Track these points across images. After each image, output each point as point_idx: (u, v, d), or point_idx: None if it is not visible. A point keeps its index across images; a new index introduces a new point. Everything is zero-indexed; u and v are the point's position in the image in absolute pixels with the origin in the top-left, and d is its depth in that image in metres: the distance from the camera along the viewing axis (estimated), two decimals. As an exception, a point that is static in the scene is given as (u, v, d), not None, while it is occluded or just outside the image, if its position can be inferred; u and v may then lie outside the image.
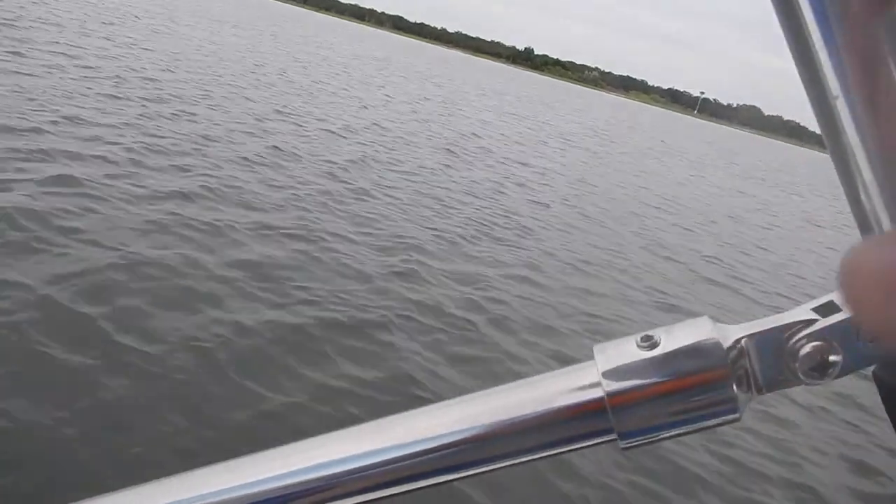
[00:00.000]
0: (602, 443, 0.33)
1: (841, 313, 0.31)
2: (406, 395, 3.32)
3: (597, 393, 0.32)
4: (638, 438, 0.32)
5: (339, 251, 5.09)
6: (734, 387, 0.31)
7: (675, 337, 0.32)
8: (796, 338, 0.31)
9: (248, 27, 32.21)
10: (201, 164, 6.48)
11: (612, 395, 0.32)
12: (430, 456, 0.34)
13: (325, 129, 10.35)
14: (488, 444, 0.34)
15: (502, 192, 9.26)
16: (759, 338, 0.31)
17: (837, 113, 0.26)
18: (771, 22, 0.29)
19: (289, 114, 10.85)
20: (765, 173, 32.81)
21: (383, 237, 5.76)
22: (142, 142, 6.63)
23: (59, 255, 3.83)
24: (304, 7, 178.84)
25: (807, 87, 0.27)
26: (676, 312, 5.91)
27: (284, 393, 3.13)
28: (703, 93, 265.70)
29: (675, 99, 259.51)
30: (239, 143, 7.81)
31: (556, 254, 6.84)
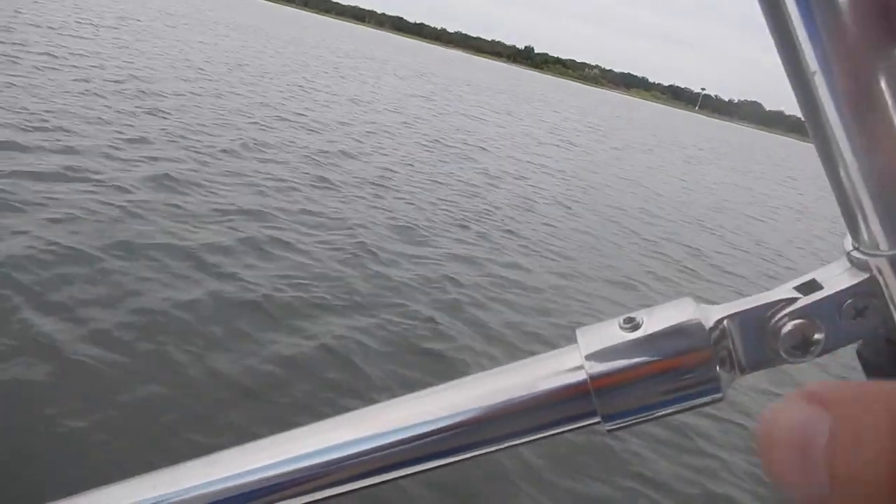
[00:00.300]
0: (587, 426, 0.33)
1: (822, 291, 0.31)
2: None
3: (580, 376, 0.32)
4: (622, 420, 0.32)
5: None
6: (717, 367, 0.31)
7: (657, 318, 0.32)
8: (778, 317, 0.31)
9: (274, 38, 32.18)
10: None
11: (595, 377, 0.31)
12: (414, 444, 0.34)
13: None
14: (473, 431, 0.34)
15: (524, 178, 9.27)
16: (740, 317, 0.31)
17: (826, 118, 0.27)
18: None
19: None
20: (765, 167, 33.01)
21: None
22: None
23: None
24: (304, 10, 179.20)
25: (801, 107, 0.28)
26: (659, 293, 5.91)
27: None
28: (703, 89, 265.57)
29: (677, 96, 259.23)
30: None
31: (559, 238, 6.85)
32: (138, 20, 20.68)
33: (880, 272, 0.29)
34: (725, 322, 0.31)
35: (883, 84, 0.26)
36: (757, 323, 0.31)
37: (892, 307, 0.29)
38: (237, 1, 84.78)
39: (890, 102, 0.26)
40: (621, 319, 0.32)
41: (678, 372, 0.31)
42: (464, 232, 6.62)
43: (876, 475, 0.19)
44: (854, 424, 0.20)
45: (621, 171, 15.27)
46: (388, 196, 7.30)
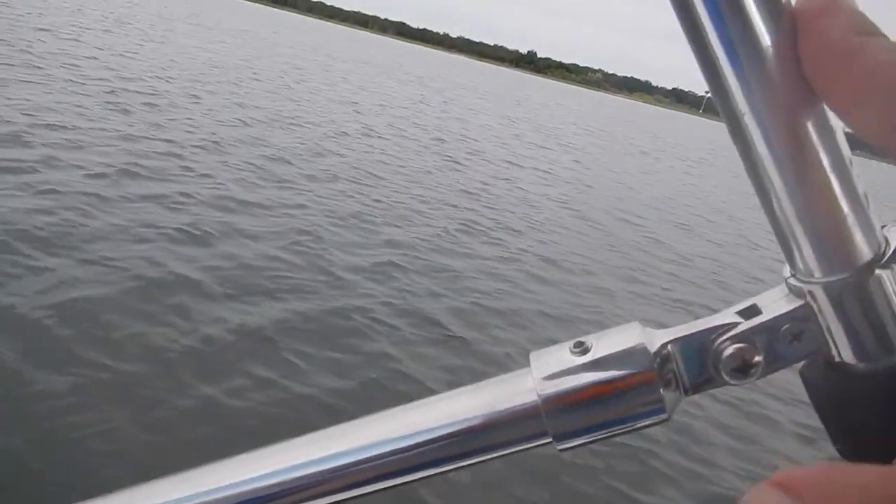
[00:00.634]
0: (539, 445, 0.34)
1: (761, 315, 0.32)
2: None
3: (532, 398, 0.33)
4: (572, 440, 0.33)
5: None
6: (661, 389, 0.32)
7: (605, 343, 0.33)
8: (720, 340, 0.32)
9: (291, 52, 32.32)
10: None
11: (546, 399, 0.33)
12: (372, 464, 0.35)
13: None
14: (430, 450, 0.35)
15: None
16: (684, 341, 0.32)
17: (758, 156, 0.28)
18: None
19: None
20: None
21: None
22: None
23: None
24: (308, 15, 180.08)
25: (735, 145, 0.29)
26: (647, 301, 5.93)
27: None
28: (707, 92, 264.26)
29: (680, 99, 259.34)
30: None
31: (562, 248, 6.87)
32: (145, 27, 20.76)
33: (814, 298, 0.30)
34: (670, 346, 0.32)
35: (809, 124, 0.27)
36: (700, 346, 0.32)
37: (825, 332, 0.30)
38: (242, 7, 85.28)
39: (815, 139, 0.27)
40: (571, 343, 0.34)
41: (624, 394, 0.32)
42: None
43: None
44: None
45: (618, 175, 15.24)
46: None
